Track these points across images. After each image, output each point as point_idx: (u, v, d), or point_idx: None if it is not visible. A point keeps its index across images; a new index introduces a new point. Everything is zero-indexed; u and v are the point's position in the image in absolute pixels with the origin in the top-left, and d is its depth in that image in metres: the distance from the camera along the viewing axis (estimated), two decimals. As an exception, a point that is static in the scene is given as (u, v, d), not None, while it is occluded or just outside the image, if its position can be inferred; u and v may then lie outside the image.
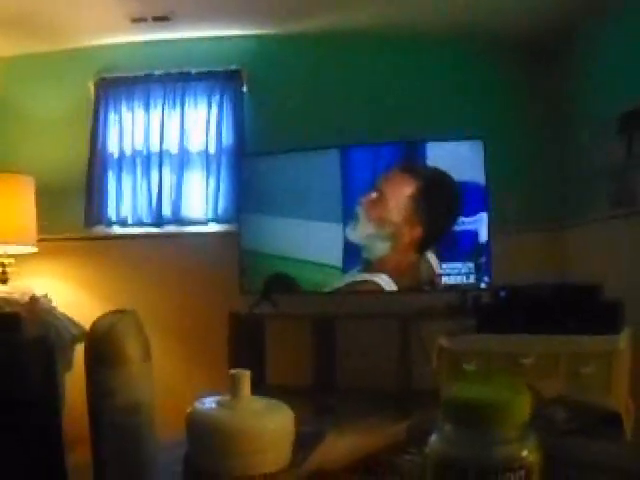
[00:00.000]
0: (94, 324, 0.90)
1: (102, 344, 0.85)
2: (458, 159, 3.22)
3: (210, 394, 0.81)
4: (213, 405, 0.76)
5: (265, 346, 3.48)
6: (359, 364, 3.37)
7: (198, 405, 0.77)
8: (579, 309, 2.44)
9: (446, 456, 0.60)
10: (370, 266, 3.25)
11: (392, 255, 3.21)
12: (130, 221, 3.88)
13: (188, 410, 0.77)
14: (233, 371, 0.77)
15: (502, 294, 2.61)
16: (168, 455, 0.86)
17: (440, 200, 3.26)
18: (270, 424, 0.74)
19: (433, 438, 0.62)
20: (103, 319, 0.90)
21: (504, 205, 3.38)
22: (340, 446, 0.96)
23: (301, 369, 3.23)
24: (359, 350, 3.44)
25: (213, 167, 3.84)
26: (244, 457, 0.72)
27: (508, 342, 2.42)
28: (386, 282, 3.20)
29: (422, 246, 3.18)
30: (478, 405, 0.60)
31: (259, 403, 0.77)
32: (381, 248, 3.22)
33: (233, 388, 0.76)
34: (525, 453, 0.58)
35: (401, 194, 3.23)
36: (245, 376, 0.77)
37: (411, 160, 3.31)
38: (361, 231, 3.25)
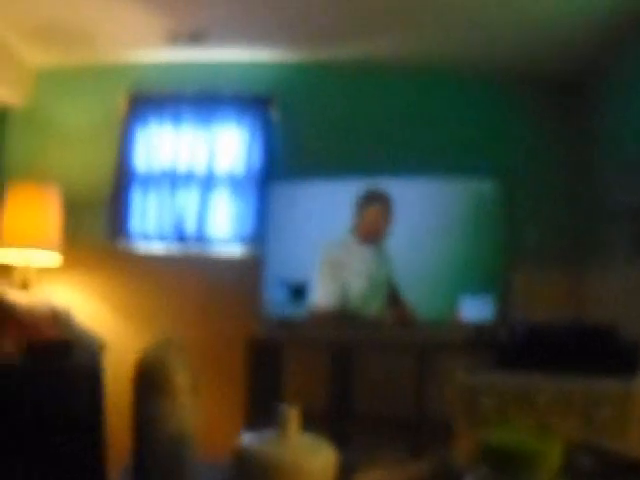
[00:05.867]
0: (144, 352, 0.93)
1: (152, 374, 0.87)
2: (478, 196, 3.28)
3: (254, 428, 0.84)
4: (262, 441, 0.79)
5: (282, 370, 3.48)
6: (376, 391, 3.38)
7: (247, 440, 0.79)
8: (595, 350, 2.45)
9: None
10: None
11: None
12: (153, 238, 3.89)
13: (236, 444, 0.79)
14: (282, 407, 0.80)
15: (519, 331, 2.62)
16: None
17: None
18: (317, 462, 0.76)
19: (468, 480, 0.65)
20: (153, 348, 0.93)
21: (525, 242, 3.40)
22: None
23: (318, 394, 3.23)
24: (376, 378, 3.44)
25: (239, 190, 3.86)
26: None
27: (523, 380, 2.43)
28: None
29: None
30: (516, 452, 0.63)
31: (305, 440, 0.80)
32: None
33: (281, 424, 0.79)
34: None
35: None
36: (294, 413, 0.79)
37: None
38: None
